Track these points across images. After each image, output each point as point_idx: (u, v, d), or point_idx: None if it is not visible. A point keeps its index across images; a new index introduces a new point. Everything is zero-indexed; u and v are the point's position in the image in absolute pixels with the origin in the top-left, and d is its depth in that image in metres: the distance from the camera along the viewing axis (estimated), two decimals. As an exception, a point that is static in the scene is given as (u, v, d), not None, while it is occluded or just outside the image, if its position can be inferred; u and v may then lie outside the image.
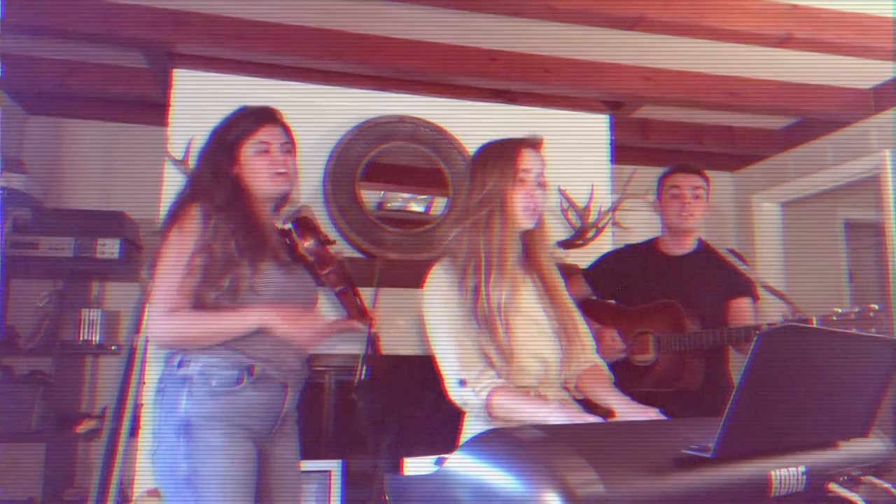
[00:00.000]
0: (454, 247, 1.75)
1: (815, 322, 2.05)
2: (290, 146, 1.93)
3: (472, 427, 1.72)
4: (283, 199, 1.96)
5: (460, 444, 1.71)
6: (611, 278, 2.59)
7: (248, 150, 1.85)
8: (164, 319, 1.67)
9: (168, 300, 1.68)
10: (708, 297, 2.42)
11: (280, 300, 1.77)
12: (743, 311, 2.45)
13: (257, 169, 1.85)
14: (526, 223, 1.75)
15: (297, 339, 1.74)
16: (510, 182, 1.71)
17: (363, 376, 1.99)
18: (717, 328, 2.31)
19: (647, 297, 2.46)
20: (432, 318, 1.72)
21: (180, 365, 1.71)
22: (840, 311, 2.02)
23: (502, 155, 1.74)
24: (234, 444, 1.68)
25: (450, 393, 1.67)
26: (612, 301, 2.61)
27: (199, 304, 1.71)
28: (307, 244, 1.97)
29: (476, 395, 1.60)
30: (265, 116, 1.90)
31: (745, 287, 2.47)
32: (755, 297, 2.50)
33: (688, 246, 2.54)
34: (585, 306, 2.52)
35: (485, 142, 1.83)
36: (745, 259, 2.50)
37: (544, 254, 1.82)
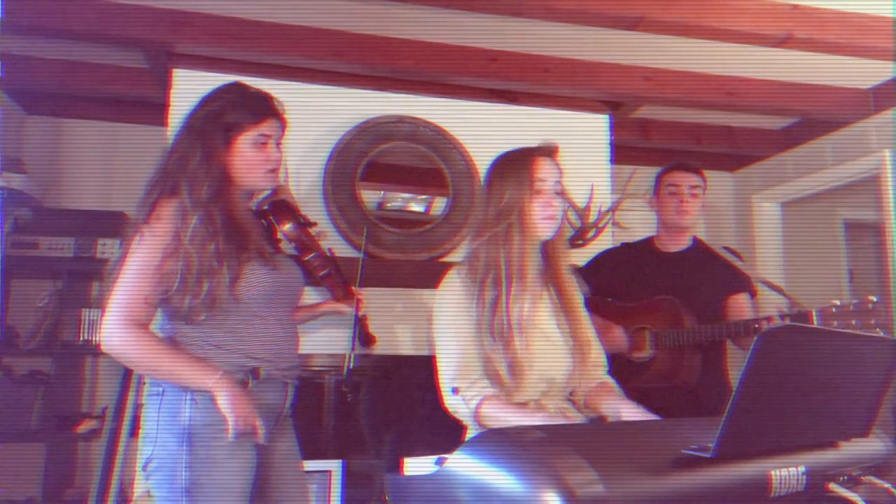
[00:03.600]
0: (472, 259, 1.73)
1: (814, 315, 2.05)
2: (280, 140, 1.83)
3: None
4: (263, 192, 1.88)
5: (468, 435, 1.73)
6: (608, 276, 2.60)
7: (246, 140, 1.72)
8: (120, 330, 1.55)
9: (129, 309, 1.56)
10: (706, 292, 2.43)
11: (267, 302, 1.71)
12: (741, 306, 2.46)
13: (252, 162, 1.72)
14: (546, 233, 1.73)
15: (232, 418, 1.58)
16: (527, 193, 1.69)
17: (351, 365, 1.93)
18: (716, 323, 2.31)
19: (645, 294, 2.47)
20: (440, 322, 1.71)
21: None
22: (839, 303, 2.03)
23: (517, 166, 1.72)
24: (237, 454, 1.62)
25: (444, 400, 1.67)
26: (609, 299, 2.62)
27: (173, 313, 1.61)
28: (286, 228, 1.88)
29: (466, 404, 1.60)
30: (268, 107, 1.78)
31: (742, 283, 2.48)
32: (753, 293, 2.51)
33: (683, 243, 2.56)
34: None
35: (491, 146, 1.83)
36: (741, 256, 2.51)
37: (563, 265, 1.79)
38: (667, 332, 2.35)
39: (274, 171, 1.77)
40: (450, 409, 1.66)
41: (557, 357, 1.71)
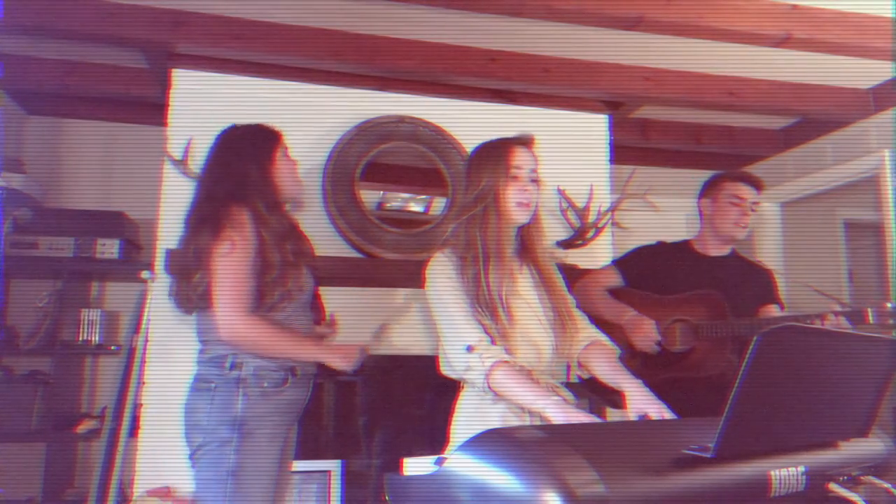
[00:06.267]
0: (452, 241, 1.81)
1: (870, 313, 2.08)
2: None
3: (467, 401, 1.75)
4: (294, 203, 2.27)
5: (454, 419, 1.75)
6: (645, 270, 2.58)
7: (281, 154, 2.06)
8: (243, 320, 1.83)
9: (243, 302, 1.84)
10: (742, 299, 2.43)
11: (305, 305, 2.01)
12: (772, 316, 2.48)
13: (290, 170, 2.07)
14: (520, 217, 1.80)
15: (351, 365, 1.99)
16: (503, 178, 1.77)
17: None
18: (765, 317, 2.33)
19: (683, 291, 2.47)
20: (439, 293, 1.75)
21: (232, 367, 1.88)
22: (891, 305, 2.05)
23: (494, 153, 1.82)
24: (276, 441, 1.90)
25: (451, 360, 1.70)
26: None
27: (261, 304, 1.89)
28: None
29: (481, 360, 1.63)
30: (278, 132, 2.12)
31: (774, 295, 2.52)
32: (782, 307, 2.53)
33: (724, 250, 2.57)
34: (619, 294, 2.52)
35: (482, 142, 1.88)
36: (771, 272, 2.56)
37: (540, 247, 1.87)
38: (709, 323, 2.36)
39: (298, 178, 2.13)
40: (459, 367, 1.68)
41: (540, 327, 1.77)
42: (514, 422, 1.67)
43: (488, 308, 1.69)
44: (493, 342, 1.67)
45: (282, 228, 1.92)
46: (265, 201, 1.93)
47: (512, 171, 1.78)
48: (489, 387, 1.63)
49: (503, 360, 1.63)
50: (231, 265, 1.85)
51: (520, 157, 1.80)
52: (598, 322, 2.50)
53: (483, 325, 1.68)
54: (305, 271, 1.99)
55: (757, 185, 2.51)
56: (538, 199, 1.83)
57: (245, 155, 2.00)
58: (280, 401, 1.92)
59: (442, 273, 1.76)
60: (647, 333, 2.38)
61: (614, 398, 2.55)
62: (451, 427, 1.77)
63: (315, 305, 2.21)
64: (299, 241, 1.97)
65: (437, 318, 1.75)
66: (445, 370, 1.78)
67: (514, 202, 1.78)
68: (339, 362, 1.97)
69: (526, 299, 1.78)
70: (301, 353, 1.94)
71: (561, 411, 1.51)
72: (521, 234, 1.86)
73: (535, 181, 1.82)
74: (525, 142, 1.84)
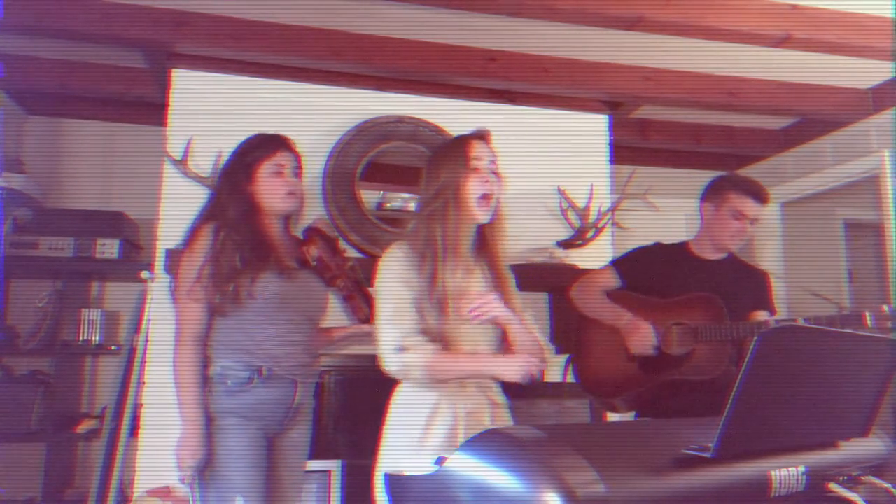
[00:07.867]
0: (412, 236, 1.83)
1: (868, 317, 2.10)
2: (299, 171, 2.17)
3: (402, 395, 1.78)
4: (295, 214, 2.22)
5: (389, 414, 1.78)
6: (643, 271, 2.56)
7: (265, 171, 2.10)
8: (179, 351, 1.98)
9: (190, 323, 1.99)
10: (736, 303, 2.42)
11: (278, 306, 2.03)
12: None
13: (272, 187, 2.09)
14: (481, 214, 1.80)
15: (178, 457, 1.95)
16: (462, 171, 1.79)
17: None
18: (764, 322, 2.33)
19: (680, 294, 2.46)
20: (383, 290, 1.77)
21: (203, 366, 1.99)
22: (888, 308, 2.06)
23: (452, 148, 1.85)
24: (246, 430, 1.97)
25: (385, 360, 1.72)
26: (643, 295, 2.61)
27: (211, 307, 1.99)
28: (311, 251, 2.21)
29: (421, 358, 1.68)
30: (280, 142, 2.15)
31: (766, 302, 2.51)
32: (773, 313, 2.52)
33: (721, 254, 2.55)
34: (617, 297, 2.52)
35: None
36: (767, 276, 2.55)
37: (499, 248, 1.87)
38: (709, 326, 2.35)
39: (292, 194, 2.12)
40: (393, 367, 1.71)
41: (486, 329, 1.79)
42: (446, 412, 1.70)
43: (439, 304, 1.71)
44: (431, 340, 1.70)
45: (234, 239, 1.99)
46: (225, 216, 2.03)
47: (471, 164, 1.79)
48: (433, 377, 1.68)
49: (438, 350, 1.69)
50: (182, 271, 2.02)
51: (478, 149, 1.82)
52: (595, 323, 2.51)
53: (425, 323, 1.71)
54: (268, 281, 1.99)
55: (763, 199, 2.47)
56: (500, 196, 1.83)
57: (228, 173, 2.12)
58: (246, 399, 1.98)
59: (391, 267, 1.78)
60: (643, 337, 2.38)
61: (612, 402, 2.55)
62: (386, 420, 1.78)
63: (358, 305, 2.28)
64: (254, 251, 2.00)
65: (377, 312, 1.77)
66: (385, 366, 1.77)
67: (476, 195, 1.78)
68: (179, 442, 1.96)
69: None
70: (181, 402, 1.97)
71: (516, 364, 1.61)
72: (481, 232, 1.85)
73: (496, 174, 1.83)
74: (482, 136, 1.87)
